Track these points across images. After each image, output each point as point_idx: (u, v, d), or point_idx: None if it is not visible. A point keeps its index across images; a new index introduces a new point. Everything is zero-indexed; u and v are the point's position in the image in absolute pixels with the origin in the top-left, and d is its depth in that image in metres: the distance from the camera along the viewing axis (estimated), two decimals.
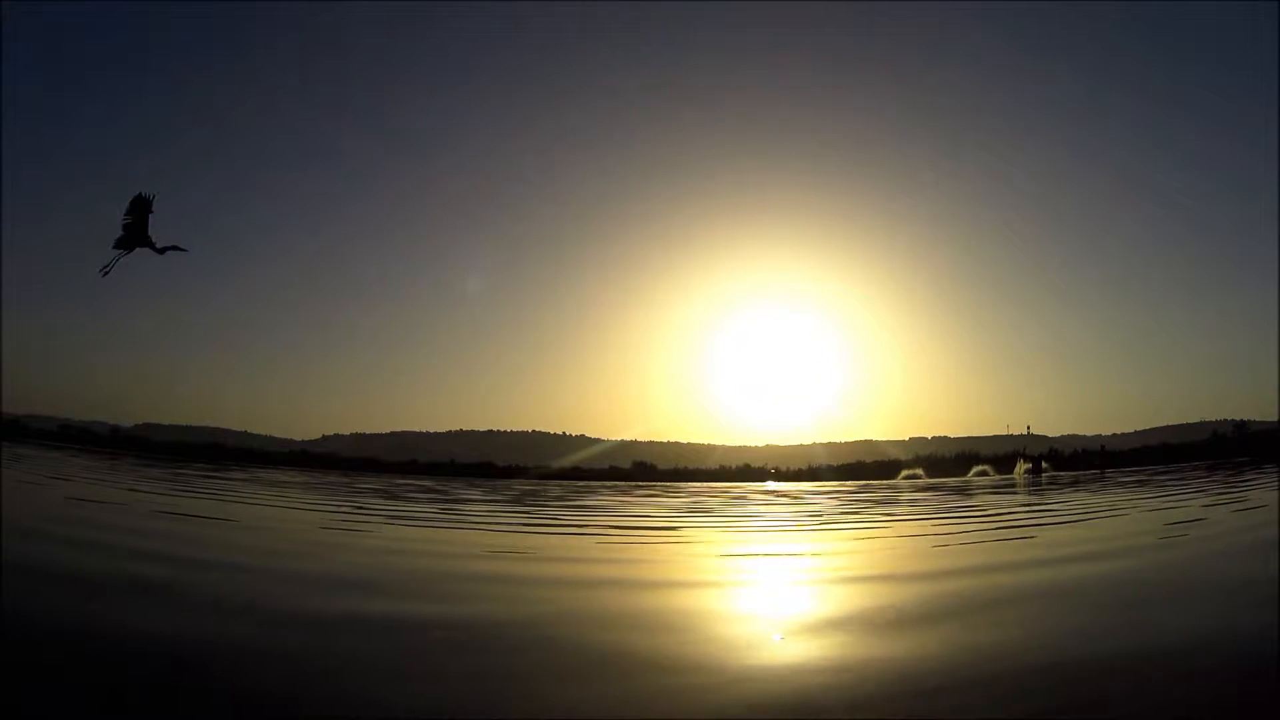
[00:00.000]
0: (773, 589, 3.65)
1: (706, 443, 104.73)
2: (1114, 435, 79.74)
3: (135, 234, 4.12)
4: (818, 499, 12.66)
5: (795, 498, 13.41)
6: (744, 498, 13.54)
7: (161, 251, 4.21)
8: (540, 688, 1.84)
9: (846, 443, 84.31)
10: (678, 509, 9.92)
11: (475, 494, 13.41)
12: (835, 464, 51.36)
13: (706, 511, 9.46)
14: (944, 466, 41.49)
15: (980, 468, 37.20)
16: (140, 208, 4.09)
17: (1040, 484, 16.11)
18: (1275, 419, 39.83)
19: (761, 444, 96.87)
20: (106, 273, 4.10)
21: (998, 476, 28.88)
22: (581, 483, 27.17)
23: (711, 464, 64.38)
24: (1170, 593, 3.04)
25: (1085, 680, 1.83)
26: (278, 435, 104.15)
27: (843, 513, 8.90)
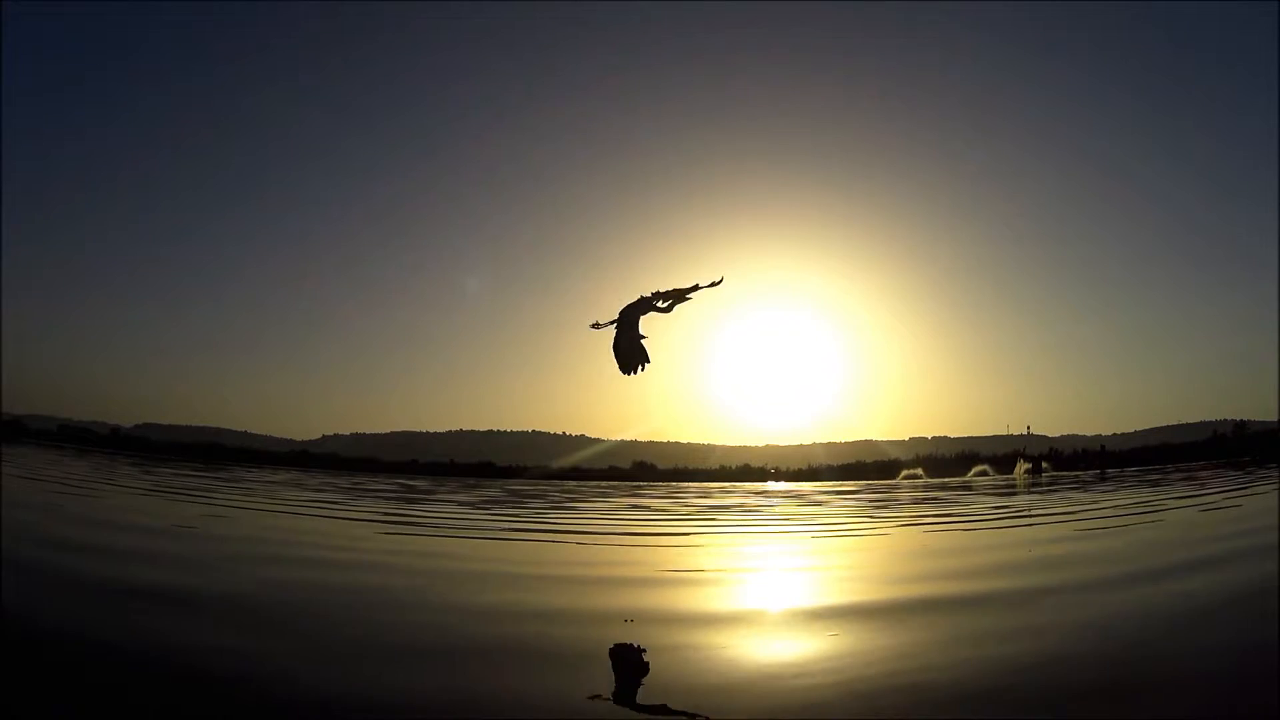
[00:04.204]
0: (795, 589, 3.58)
1: (706, 443, 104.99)
2: (1114, 435, 79.96)
3: (641, 314, 3.34)
4: (823, 499, 12.60)
5: (802, 497, 13.35)
6: (742, 498, 13.49)
7: (685, 298, 3.36)
8: None
9: (846, 443, 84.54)
10: (664, 510, 9.84)
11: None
12: (835, 464, 51.38)
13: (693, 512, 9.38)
14: (944, 466, 41.45)
15: (980, 468, 37.10)
16: (677, 297, 3.35)
17: (1040, 484, 16.05)
18: (1275, 419, 39.80)
19: (761, 444, 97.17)
20: (597, 327, 3.44)
21: (998, 476, 28.82)
22: (573, 483, 27.10)
23: (711, 464, 64.43)
24: None
25: None
26: (277, 435, 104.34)
27: (854, 517, 8.82)
